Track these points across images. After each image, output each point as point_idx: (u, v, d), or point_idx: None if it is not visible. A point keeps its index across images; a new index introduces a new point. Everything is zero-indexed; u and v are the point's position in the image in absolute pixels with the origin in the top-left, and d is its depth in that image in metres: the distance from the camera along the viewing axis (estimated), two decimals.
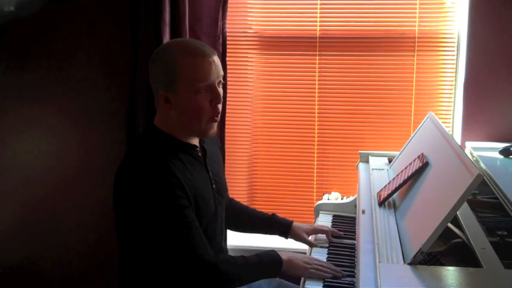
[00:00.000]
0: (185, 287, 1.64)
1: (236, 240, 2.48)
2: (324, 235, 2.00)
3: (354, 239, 1.93)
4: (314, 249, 1.94)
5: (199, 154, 1.75)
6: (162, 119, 1.69)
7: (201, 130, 1.66)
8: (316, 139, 2.64)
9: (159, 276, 1.63)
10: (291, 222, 2.01)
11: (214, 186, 1.77)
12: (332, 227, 2.12)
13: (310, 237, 2.00)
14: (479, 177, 1.39)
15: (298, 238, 1.99)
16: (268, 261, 1.69)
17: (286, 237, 2.01)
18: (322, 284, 1.66)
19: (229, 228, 2.04)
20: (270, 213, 2.04)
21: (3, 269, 2.75)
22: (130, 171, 1.62)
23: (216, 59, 1.64)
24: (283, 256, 1.70)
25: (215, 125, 1.68)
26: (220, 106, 1.66)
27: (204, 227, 1.67)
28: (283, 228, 2.00)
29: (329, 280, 1.68)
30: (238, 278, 1.65)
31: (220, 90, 1.65)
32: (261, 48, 2.61)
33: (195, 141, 1.74)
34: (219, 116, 1.68)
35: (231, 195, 2.52)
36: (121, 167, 1.66)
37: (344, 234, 2.03)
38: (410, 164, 1.85)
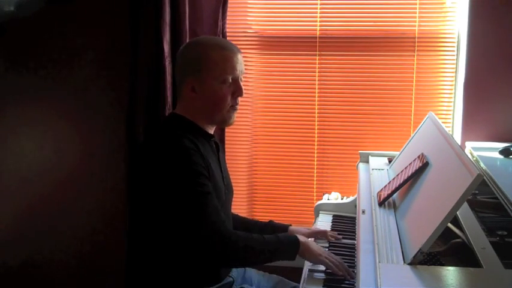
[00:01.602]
0: (200, 257, 1.64)
1: None
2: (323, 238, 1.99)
3: (354, 239, 1.93)
4: None
5: (214, 146, 1.83)
6: (184, 107, 1.78)
7: (223, 118, 1.78)
8: (316, 139, 2.64)
9: (175, 247, 1.65)
10: (288, 226, 2.02)
11: (224, 179, 1.82)
12: (332, 227, 2.12)
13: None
14: (479, 177, 1.39)
15: None
16: (287, 240, 1.71)
17: None
18: (321, 285, 1.66)
19: None
20: (267, 220, 2.06)
21: (3, 268, 2.75)
22: (153, 143, 1.70)
23: (241, 57, 1.78)
24: (301, 239, 1.72)
25: (235, 114, 1.80)
26: (239, 99, 1.78)
27: None
28: (280, 232, 1.98)
29: (329, 280, 1.68)
30: (254, 254, 1.64)
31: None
32: (261, 48, 2.61)
33: (212, 132, 1.82)
34: (237, 106, 1.79)
35: None
36: (143, 143, 1.77)
37: (344, 234, 2.03)
38: (410, 164, 1.85)
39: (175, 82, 1.91)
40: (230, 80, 1.74)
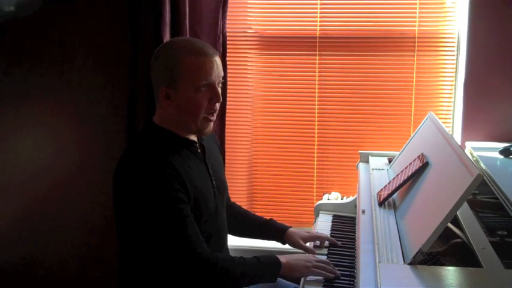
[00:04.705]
0: (181, 281, 1.64)
1: (236, 240, 2.47)
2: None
3: (354, 239, 1.93)
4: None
5: (198, 150, 1.76)
6: (161, 116, 1.72)
7: (197, 128, 1.70)
8: (316, 139, 2.64)
9: (156, 270, 1.64)
10: (288, 227, 1.98)
11: (214, 182, 1.78)
12: (332, 227, 2.11)
13: (308, 244, 1.95)
14: (479, 177, 1.39)
15: (295, 244, 1.96)
16: (267, 263, 1.68)
17: (283, 243, 1.99)
18: (321, 285, 1.66)
19: (228, 232, 2.03)
20: (268, 218, 2.03)
21: (3, 267, 2.75)
22: (129, 165, 1.65)
23: (218, 59, 1.69)
24: (282, 260, 1.69)
25: (211, 124, 1.72)
26: (218, 105, 1.70)
27: (204, 222, 1.68)
28: (278, 233, 1.98)
29: (328, 280, 1.67)
30: (235, 276, 1.64)
31: (220, 90, 1.70)
32: (261, 48, 2.61)
33: (194, 138, 1.76)
34: (215, 115, 1.71)
35: (230, 195, 2.51)
36: (120, 162, 1.68)
37: (344, 234, 2.02)
38: (410, 164, 1.86)
39: None
40: (205, 87, 1.65)
